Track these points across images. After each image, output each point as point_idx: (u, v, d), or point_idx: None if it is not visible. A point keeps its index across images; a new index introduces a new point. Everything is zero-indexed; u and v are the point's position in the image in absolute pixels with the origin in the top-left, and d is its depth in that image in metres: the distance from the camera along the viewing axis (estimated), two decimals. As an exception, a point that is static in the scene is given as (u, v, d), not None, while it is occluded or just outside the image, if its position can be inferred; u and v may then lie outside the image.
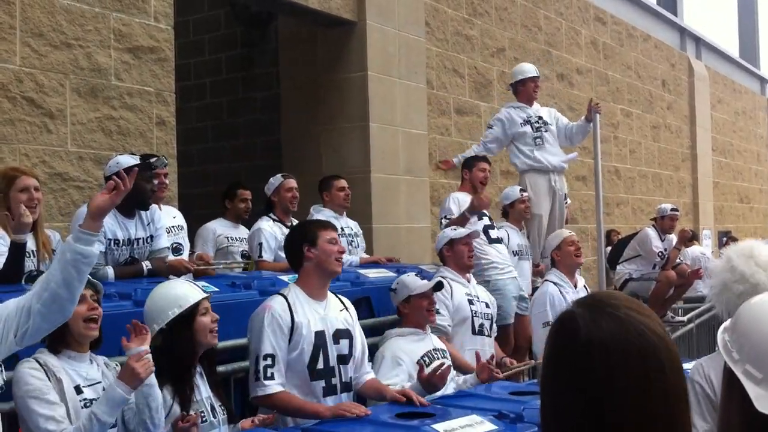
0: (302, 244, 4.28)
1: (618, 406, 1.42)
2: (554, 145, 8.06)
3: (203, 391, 3.63)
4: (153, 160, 5.32)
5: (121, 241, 5.08)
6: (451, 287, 5.58)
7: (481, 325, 5.68)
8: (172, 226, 5.96)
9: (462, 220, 6.55)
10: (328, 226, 4.47)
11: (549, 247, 6.85)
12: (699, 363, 3.25)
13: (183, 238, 6.06)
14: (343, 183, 7.13)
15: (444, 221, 6.89)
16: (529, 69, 8.22)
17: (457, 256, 5.82)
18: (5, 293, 4.00)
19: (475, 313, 5.66)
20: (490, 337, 5.80)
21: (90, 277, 3.32)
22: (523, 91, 8.11)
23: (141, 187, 5.13)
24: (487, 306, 5.81)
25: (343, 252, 4.36)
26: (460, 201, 7.02)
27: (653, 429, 1.42)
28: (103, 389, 3.28)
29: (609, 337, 1.44)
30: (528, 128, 7.92)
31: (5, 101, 5.75)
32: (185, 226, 6.22)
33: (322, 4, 8.53)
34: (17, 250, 4.42)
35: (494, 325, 5.87)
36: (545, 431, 1.52)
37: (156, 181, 5.71)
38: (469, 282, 5.85)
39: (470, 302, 5.67)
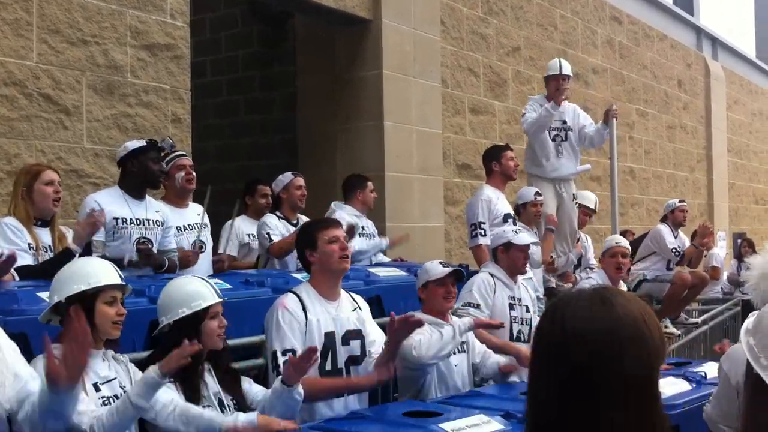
0: (304, 249, 4.22)
1: (585, 386, 1.49)
2: (572, 153, 7.83)
3: (212, 386, 3.61)
4: (160, 141, 5.40)
5: (128, 220, 5.17)
6: (495, 286, 5.45)
7: (519, 332, 5.49)
8: (196, 223, 6.00)
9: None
10: (328, 224, 4.33)
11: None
12: (728, 352, 3.45)
13: (206, 236, 6.07)
14: (371, 184, 7.21)
15: (475, 229, 6.74)
16: (552, 66, 7.78)
17: (511, 260, 5.59)
18: (37, 287, 4.06)
19: (515, 318, 5.48)
20: (528, 343, 5.40)
21: (122, 279, 3.35)
22: (547, 88, 7.76)
23: (148, 167, 5.31)
24: (528, 310, 5.61)
25: (344, 249, 4.17)
26: (491, 202, 6.82)
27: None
28: (119, 385, 3.30)
29: (584, 321, 1.52)
30: (546, 134, 7.66)
31: (22, 98, 5.80)
32: (209, 224, 6.24)
33: (339, 2, 8.55)
34: (66, 256, 4.51)
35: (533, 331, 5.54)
36: (527, 408, 1.61)
37: (183, 173, 5.82)
38: (515, 283, 5.64)
39: (511, 306, 5.50)
